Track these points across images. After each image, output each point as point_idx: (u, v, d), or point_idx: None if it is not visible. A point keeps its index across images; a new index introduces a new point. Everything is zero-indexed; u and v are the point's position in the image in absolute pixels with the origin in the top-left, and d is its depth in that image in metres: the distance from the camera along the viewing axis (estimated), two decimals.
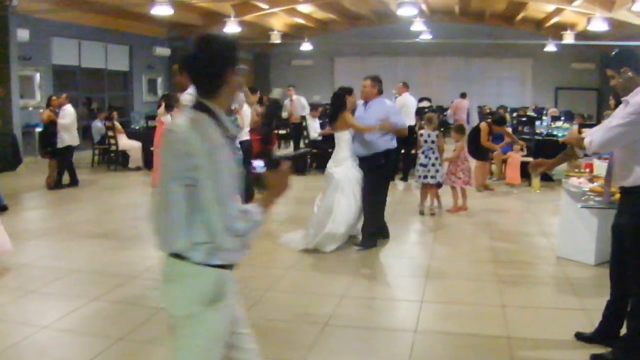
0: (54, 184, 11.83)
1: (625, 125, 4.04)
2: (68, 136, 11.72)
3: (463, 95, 23.07)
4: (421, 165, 9.53)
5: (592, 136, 4.21)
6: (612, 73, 4.27)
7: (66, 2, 15.48)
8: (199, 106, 2.60)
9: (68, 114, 11.66)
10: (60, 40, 17.21)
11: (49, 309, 5.50)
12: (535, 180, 6.04)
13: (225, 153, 2.52)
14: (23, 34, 15.08)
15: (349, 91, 7.79)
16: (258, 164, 2.81)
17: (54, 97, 12.45)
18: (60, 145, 11.71)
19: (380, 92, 7.74)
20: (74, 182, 12.06)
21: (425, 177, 9.49)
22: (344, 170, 7.61)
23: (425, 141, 9.53)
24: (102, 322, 5.24)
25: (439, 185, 9.67)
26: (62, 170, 11.95)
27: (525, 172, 11.69)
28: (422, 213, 9.59)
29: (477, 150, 11.55)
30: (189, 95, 7.97)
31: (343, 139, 7.67)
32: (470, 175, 10.10)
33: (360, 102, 7.82)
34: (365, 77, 7.83)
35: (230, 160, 2.55)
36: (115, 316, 5.37)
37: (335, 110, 7.83)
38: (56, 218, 9.41)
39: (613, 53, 4.35)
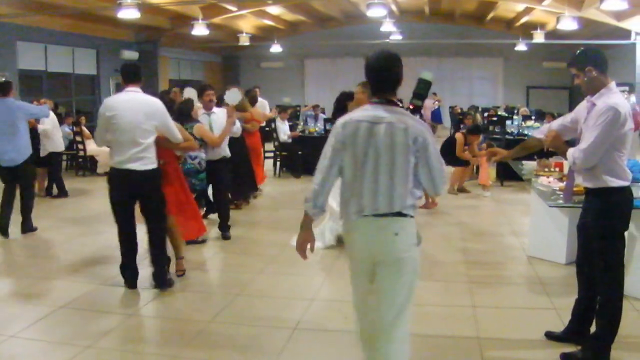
0: (45, 193, 11.63)
1: (600, 137, 4.03)
2: (49, 143, 11.34)
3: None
4: None
5: (574, 155, 4.16)
6: (576, 72, 4.26)
7: (32, 6, 15.24)
8: (391, 102, 3.61)
9: (46, 119, 11.19)
10: (26, 44, 16.90)
11: (16, 318, 5.37)
12: (491, 171, 5.98)
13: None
14: None
15: (349, 96, 7.59)
16: None
17: (34, 102, 11.77)
18: (42, 153, 11.28)
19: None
20: (62, 192, 11.69)
21: None
22: None
23: None
24: (69, 330, 5.12)
25: None
26: (52, 178, 11.69)
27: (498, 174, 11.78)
28: None
29: (454, 158, 11.42)
30: None
31: None
32: None
33: None
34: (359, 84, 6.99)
35: None
36: (83, 324, 5.26)
37: (335, 115, 7.84)
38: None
39: (577, 52, 4.34)
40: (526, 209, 8.81)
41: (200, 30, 17.70)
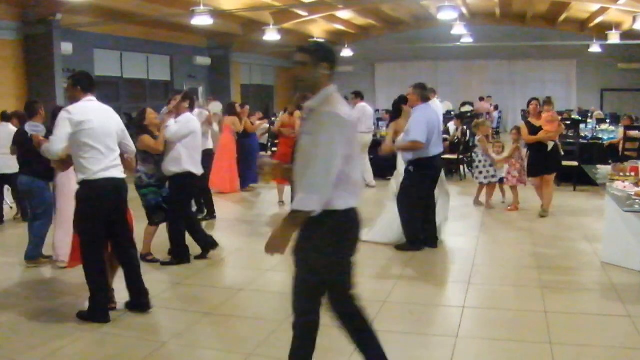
0: None
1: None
2: None
3: (482, 99, 23.22)
4: (476, 167, 10.71)
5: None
6: (307, 61, 3.62)
7: (108, 15, 15.76)
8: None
9: None
10: (103, 52, 17.48)
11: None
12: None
13: None
14: (67, 47, 15.35)
15: (404, 100, 8.13)
16: None
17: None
18: None
19: (424, 99, 7.72)
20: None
21: (485, 177, 10.44)
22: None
23: (476, 145, 10.90)
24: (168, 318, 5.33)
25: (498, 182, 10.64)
26: None
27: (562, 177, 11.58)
28: (479, 204, 10.63)
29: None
30: None
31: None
32: (523, 173, 10.18)
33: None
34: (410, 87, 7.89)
35: None
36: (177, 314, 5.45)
37: (393, 118, 8.62)
38: None
39: (312, 43, 3.90)
40: (599, 214, 8.63)
41: (271, 35, 17.95)
